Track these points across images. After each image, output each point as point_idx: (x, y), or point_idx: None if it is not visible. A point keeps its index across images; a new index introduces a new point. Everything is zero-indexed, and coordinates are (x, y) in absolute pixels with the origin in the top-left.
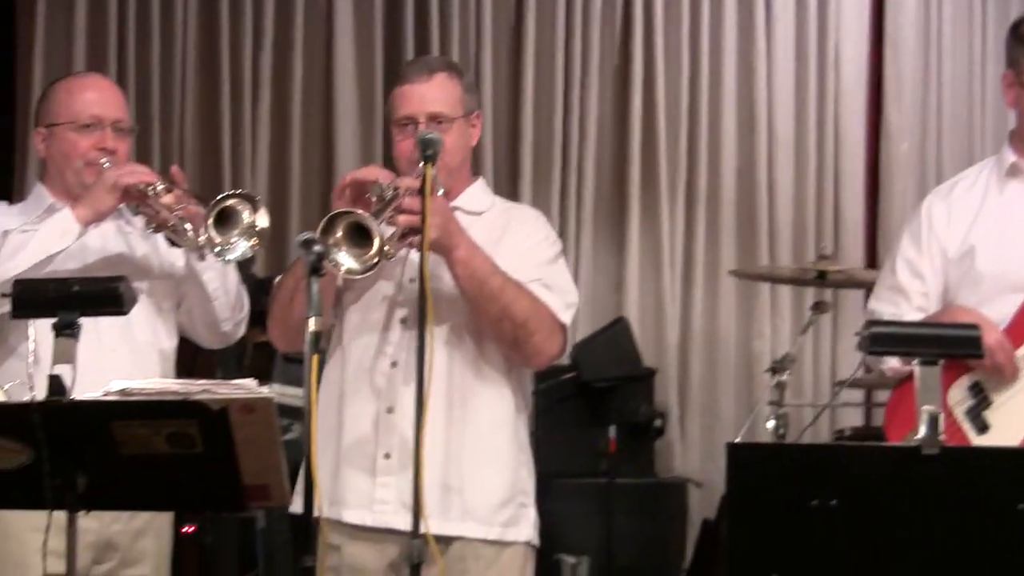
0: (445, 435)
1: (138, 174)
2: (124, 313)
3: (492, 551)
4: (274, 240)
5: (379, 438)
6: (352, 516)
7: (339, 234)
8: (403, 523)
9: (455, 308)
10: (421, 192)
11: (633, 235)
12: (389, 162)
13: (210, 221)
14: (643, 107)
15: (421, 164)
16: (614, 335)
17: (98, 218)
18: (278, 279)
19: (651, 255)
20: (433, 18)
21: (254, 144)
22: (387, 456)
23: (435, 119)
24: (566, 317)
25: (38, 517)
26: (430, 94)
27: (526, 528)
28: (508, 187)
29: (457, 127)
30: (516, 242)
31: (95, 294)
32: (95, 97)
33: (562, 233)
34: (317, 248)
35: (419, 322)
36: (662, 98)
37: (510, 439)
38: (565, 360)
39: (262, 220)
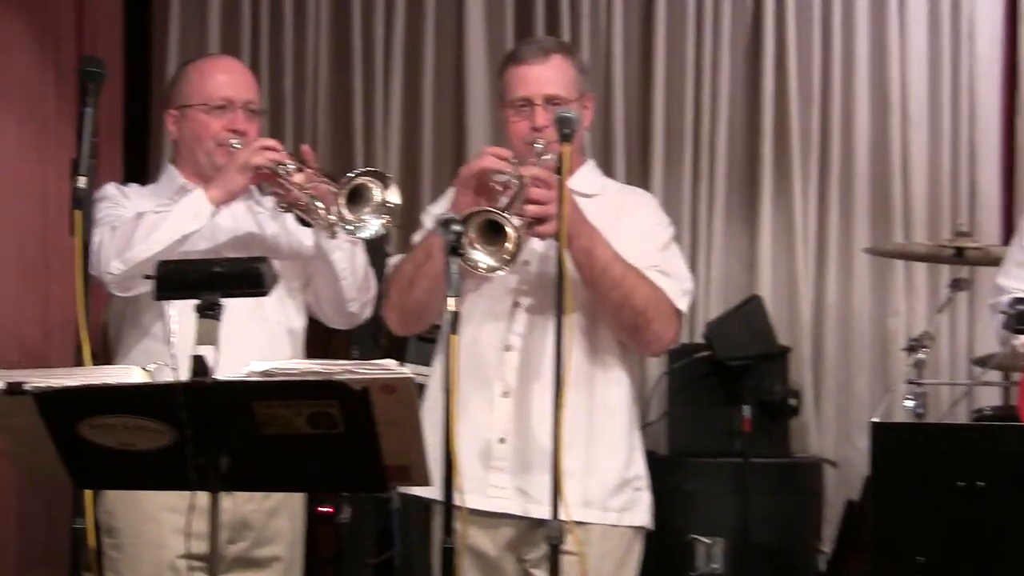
0: (566, 420)
1: (268, 151)
2: (265, 294)
3: (607, 534)
4: (406, 220)
5: (494, 423)
6: (465, 500)
7: (472, 233)
8: (518, 508)
9: (574, 294)
10: (559, 172)
11: (766, 213)
12: None
13: (342, 199)
14: (775, 85)
15: (538, 144)
16: (748, 313)
17: (230, 198)
18: (393, 263)
19: (784, 233)
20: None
21: (386, 125)
22: (502, 441)
23: (552, 101)
24: (683, 304)
25: (174, 497)
26: (546, 75)
27: (641, 512)
28: (639, 166)
29: (573, 109)
30: (631, 227)
31: (237, 275)
32: (227, 79)
33: (694, 212)
34: (456, 228)
35: (556, 310)
36: (794, 76)
37: (626, 423)
38: (699, 338)
39: (393, 197)
